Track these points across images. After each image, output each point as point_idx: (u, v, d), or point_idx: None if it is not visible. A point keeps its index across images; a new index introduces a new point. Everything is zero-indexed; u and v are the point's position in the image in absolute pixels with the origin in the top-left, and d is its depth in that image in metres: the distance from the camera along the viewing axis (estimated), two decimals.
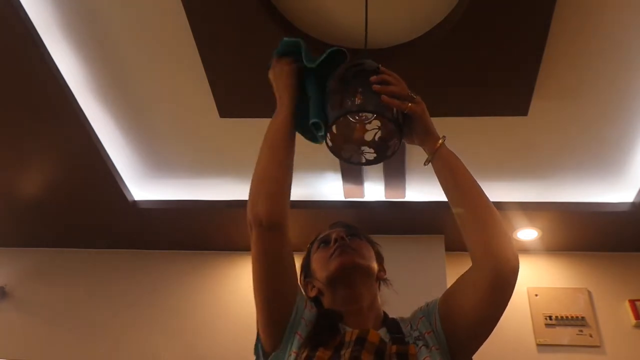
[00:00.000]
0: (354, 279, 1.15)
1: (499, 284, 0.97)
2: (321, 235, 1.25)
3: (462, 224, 1.04)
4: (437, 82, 2.12)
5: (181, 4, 1.92)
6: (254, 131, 2.52)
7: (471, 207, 1.03)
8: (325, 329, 1.06)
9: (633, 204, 2.70)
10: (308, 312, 1.10)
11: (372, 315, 1.13)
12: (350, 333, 1.03)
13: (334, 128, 1.14)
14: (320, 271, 1.19)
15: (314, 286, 1.21)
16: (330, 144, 1.15)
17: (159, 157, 2.75)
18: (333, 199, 2.87)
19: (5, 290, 3.23)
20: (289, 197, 1.11)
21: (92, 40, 2.18)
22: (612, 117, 2.35)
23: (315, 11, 1.97)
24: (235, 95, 2.26)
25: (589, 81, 2.19)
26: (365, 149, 1.18)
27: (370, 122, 1.18)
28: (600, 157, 2.55)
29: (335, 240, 1.19)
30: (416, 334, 1.05)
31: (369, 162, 1.19)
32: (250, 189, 1.09)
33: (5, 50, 2.11)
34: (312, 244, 1.28)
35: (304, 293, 1.17)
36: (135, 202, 2.94)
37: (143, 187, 2.93)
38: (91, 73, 2.30)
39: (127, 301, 3.14)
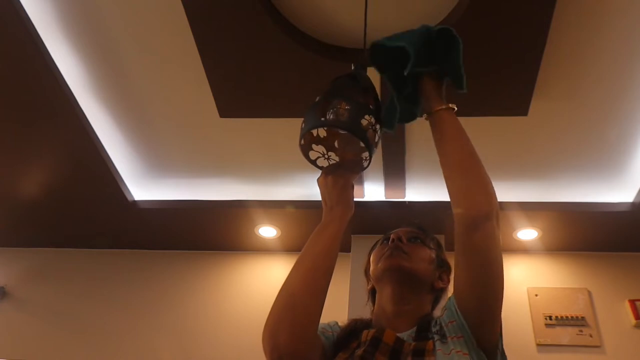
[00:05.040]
0: (397, 280, 1.14)
1: (469, 227, 0.93)
2: (389, 232, 1.24)
3: (445, 178, 1.04)
4: None
5: (181, 4, 1.92)
6: (254, 131, 2.54)
7: (448, 163, 1.05)
8: (346, 335, 1.07)
9: (633, 204, 2.70)
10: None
11: (416, 320, 1.09)
12: (366, 333, 1.02)
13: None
14: (372, 267, 1.22)
15: (370, 279, 1.24)
16: (302, 142, 1.14)
17: (159, 157, 2.75)
18: None
19: (5, 290, 3.23)
20: (317, 329, 0.98)
21: (92, 41, 2.18)
22: (613, 117, 2.35)
23: (316, 12, 1.97)
24: (235, 95, 2.26)
25: (589, 81, 2.19)
26: (332, 155, 1.18)
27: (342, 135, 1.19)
28: (600, 157, 2.55)
29: (392, 241, 1.19)
30: (437, 327, 1.02)
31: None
32: (272, 312, 0.94)
33: (5, 50, 2.11)
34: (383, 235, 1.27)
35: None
36: (135, 202, 2.94)
37: (143, 187, 2.93)
38: (91, 73, 2.31)
39: (127, 301, 3.14)
